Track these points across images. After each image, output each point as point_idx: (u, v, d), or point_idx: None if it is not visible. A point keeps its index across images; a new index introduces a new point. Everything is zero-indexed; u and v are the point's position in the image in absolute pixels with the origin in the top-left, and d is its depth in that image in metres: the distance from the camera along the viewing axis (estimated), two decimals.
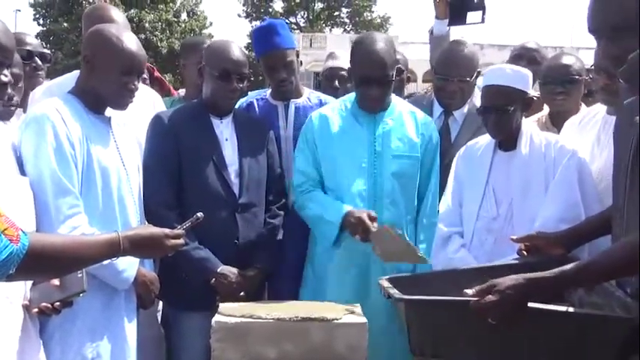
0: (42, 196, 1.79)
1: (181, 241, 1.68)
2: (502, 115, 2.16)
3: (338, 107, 2.41)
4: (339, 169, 2.30)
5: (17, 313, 1.63)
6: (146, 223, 2.08)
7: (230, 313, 1.84)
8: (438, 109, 2.70)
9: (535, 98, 2.95)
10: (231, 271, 2.22)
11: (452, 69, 2.59)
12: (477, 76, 2.69)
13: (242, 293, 2.20)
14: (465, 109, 2.66)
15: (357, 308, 1.93)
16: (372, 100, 2.31)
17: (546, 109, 2.73)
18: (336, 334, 1.79)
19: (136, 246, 1.53)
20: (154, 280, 2.09)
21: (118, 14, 2.51)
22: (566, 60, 2.62)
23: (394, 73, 2.30)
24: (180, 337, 2.29)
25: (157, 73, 3.45)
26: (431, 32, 3.03)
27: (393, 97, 2.42)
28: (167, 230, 1.64)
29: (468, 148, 2.38)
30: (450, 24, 2.91)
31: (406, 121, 2.40)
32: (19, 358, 1.60)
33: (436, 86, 2.71)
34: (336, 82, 3.29)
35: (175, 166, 2.25)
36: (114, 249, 1.48)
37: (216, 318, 1.82)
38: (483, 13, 2.85)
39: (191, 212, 2.16)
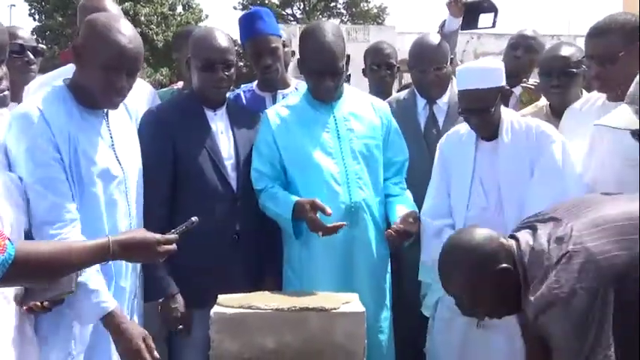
0: (32, 203, 1.72)
1: (173, 246, 1.64)
2: (483, 115, 2.18)
3: (291, 101, 2.40)
4: (309, 158, 2.28)
5: (14, 310, 1.64)
6: (142, 223, 2.03)
7: (228, 304, 1.85)
8: (421, 101, 2.73)
9: (534, 86, 2.96)
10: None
11: (426, 60, 2.62)
12: (451, 62, 2.73)
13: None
14: (447, 97, 2.70)
15: (355, 297, 1.94)
16: (325, 91, 2.30)
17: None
18: (334, 324, 1.80)
19: (127, 250, 1.52)
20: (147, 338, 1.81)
21: (112, 5, 2.47)
22: (565, 51, 2.52)
23: (344, 62, 2.29)
24: (179, 335, 2.28)
25: None
26: (441, 28, 3.04)
27: (345, 86, 2.42)
28: (159, 235, 1.60)
29: (449, 137, 2.39)
30: (463, 28, 2.94)
31: (363, 105, 2.41)
32: (17, 355, 1.61)
33: (415, 79, 2.74)
34: None
35: (170, 162, 2.22)
36: (103, 253, 1.47)
37: (215, 309, 1.83)
38: (495, 16, 2.87)
39: (189, 208, 2.17)
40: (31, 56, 2.39)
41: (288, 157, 2.30)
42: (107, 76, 1.78)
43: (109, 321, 1.75)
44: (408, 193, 2.41)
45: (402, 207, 2.31)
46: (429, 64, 2.60)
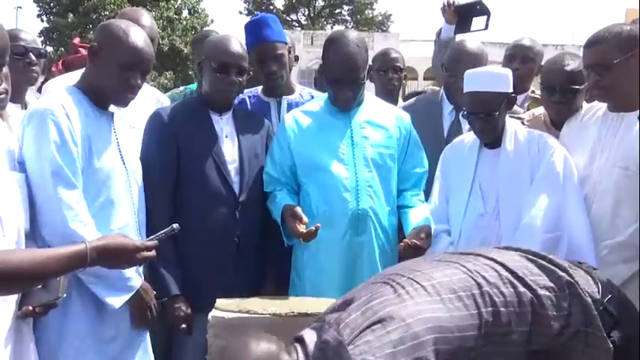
0: (48, 192, 1.77)
1: (152, 253, 1.63)
2: (488, 120, 2.19)
3: (311, 106, 2.42)
4: (320, 163, 2.29)
5: (12, 313, 1.64)
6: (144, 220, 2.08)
7: (226, 308, 1.85)
8: (448, 106, 2.73)
9: (534, 95, 2.95)
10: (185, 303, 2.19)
11: (462, 66, 2.56)
12: None
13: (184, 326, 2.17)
14: None
15: None
16: (344, 100, 2.31)
17: None
18: None
19: (105, 257, 1.50)
20: (148, 289, 2.02)
21: (146, 19, 2.55)
22: (569, 66, 2.38)
23: (365, 73, 2.30)
24: (181, 335, 2.29)
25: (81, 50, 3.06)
26: (438, 35, 3.05)
27: (367, 94, 2.43)
28: (138, 242, 1.60)
29: (455, 145, 2.41)
30: (456, 32, 2.95)
31: (382, 114, 2.41)
32: (13, 357, 1.61)
33: (447, 83, 2.72)
34: None
35: (173, 165, 2.23)
36: (81, 260, 1.46)
37: (213, 313, 1.83)
38: (487, 19, 2.90)
39: (191, 210, 2.20)
40: (33, 58, 2.42)
41: (300, 162, 2.31)
42: (123, 75, 1.90)
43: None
44: (425, 206, 2.37)
45: (416, 220, 2.28)
46: (462, 70, 2.52)
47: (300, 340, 1.40)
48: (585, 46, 2.14)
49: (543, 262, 1.49)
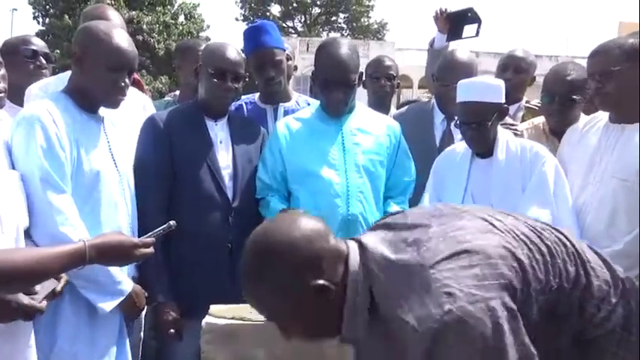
0: (38, 197, 1.77)
1: (150, 250, 1.63)
2: (480, 129, 2.21)
3: (303, 113, 2.44)
4: (311, 168, 2.30)
5: None
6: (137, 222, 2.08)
7: (220, 314, 1.84)
8: (439, 116, 2.74)
9: (537, 107, 2.97)
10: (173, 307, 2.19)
11: (453, 75, 2.59)
12: None
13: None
14: None
15: None
16: (336, 103, 2.32)
17: None
18: None
19: (103, 254, 1.51)
20: (140, 292, 2.05)
21: (114, 14, 2.55)
22: (571, 76, 2.42)
23: (357, 77, 2.33)
24: (170, 340, 2.28)
25: (135, 75, 3.34)
26: (431, 44, 3.08)
27: (357, 103, 2.45)
28: (136, 239, 1.61)
29: (447, 154, 2.42)
30: (448, 39, 2.98)
31: (373, 122, 2.43)
32: (10, 350, 1.60)
33: (438, 93, 2.73)
34: None
35: (168, 170, 2.24)
36: (80, 259, 1.46)
37: (207, 319, 1.83)
38: (478, 27, 2.94)
39: (184, 215, 2.19)
40: (43, 61, 2.45)
41: (292, 168, 2.32)
42: (111, 77, 1.90)
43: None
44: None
45: None
46: (453, 80, 2.51)
47: (357, 240, 1.33)
48: (589, 56, 2.17)
49: (604, 257, 1.46)
